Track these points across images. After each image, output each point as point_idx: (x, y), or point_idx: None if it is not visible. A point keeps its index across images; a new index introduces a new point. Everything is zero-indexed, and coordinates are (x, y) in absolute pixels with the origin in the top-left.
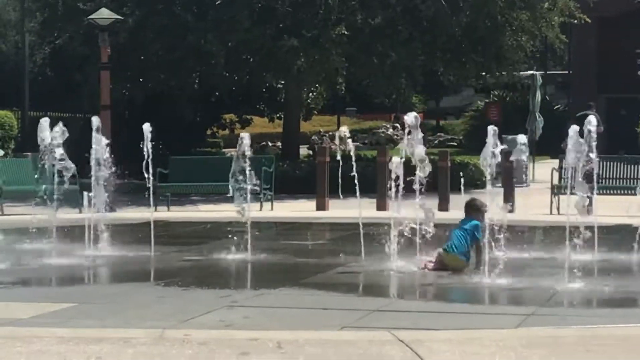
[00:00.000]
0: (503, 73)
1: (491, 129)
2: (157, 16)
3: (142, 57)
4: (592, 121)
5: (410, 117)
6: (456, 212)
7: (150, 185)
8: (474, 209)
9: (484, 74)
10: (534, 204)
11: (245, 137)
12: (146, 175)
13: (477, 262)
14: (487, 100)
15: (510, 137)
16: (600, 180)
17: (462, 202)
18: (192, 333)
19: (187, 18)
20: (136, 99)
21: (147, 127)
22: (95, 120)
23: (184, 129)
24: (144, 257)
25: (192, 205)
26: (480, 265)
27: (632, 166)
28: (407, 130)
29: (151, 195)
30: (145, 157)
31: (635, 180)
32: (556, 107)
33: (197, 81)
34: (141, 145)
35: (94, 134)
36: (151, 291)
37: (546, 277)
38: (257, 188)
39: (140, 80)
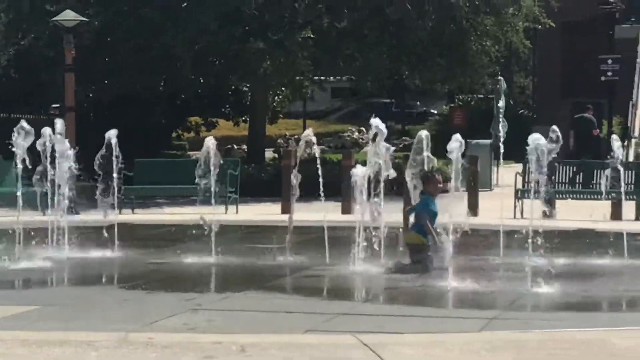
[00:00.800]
0: (469, 78)
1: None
2: (123, 18)
3: (108, 59)
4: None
5: (376, 121)
6: None
7: (115, 187)
8: (423, 180)
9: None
10: (497, 207)
11: (210, 141)
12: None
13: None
14: (451, 105)
15: (474, 141)
16: (562, 185)
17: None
18: (155, 336)
19: (154, 21)
20: (102, 101)
21: (112, 133)
22: (59, 123)
23: (149, 132)
24: (108, 260)
25: (157, 208)
26: (434, 241)
27: (594, 171)
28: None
29: (115, 198)
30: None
31: (597, 185)
32: (521, 111)
33: (162, 84)
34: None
35: (57, 136)
36: (115, 294)
37: (509, 280)
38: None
39: (106, 82)
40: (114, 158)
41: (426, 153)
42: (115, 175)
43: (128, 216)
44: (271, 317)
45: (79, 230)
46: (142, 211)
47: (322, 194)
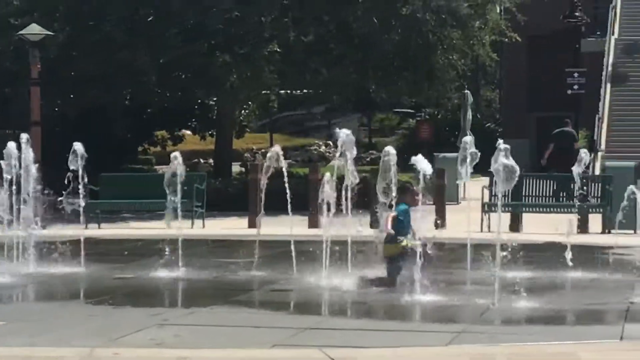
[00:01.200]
0: (435, 91)
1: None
2: (88, 32)
3: (73, 73)
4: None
5: (343, 135)
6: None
7: (81, 202)
8: (401, 192)
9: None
10: (464, 221)
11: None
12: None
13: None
14: (418, 118)
15: (441, 155)
16: (529, 199)
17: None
18: (121, 352)
19: (118, 34)
20: (67, 115)
21: (79, 147)
22: (24, 137)
23: (115, 146)
24: (75, 275)
25: (123, 222)
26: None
27: (561, 184)
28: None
29: (82, 213)
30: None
31: (564, 198)
32: (487, 125)
33: (128, 97)
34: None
35: (22, 150)
36: (81, 309)
37: (477, 294)
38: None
39: (72, 96)
40: (79, 172)
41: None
42: (81, 189)
43: (94, 231)
44: (238, 332)
45: (45, 245)
46: (108, 225)
47: (289, 208)
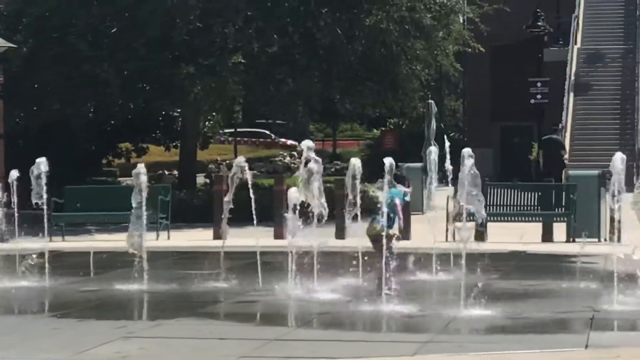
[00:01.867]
0: (400, 102)
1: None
2: (52, 44)
3: (37, 86)
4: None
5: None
6: (353, 240)
7: (45, 214)
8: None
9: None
10: (430, 231)
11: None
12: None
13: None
14: (383, 129)
15: (406, 165)
16: (493, 208)
17: (359, 229)
18: None
19: (82, 46)
20: (31, 127)
21: (41, 160)
22: None
23: (79, 158)
24: (39, 288)
25: (88, 234)
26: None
27: (525, 193)
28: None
29: (45, 225)
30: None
31: (528, 207)
32: (452, 134)
33: (92, 110)
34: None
35: None
36: (46, 323)
37: (443, 304)
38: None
39: (35, 108)
40: (43, 185)
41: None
42: (45, 202)
43: (58, 243)
44: (204, 344)
45: (8, 258)
46: (72, 238)
47: (254, 219)
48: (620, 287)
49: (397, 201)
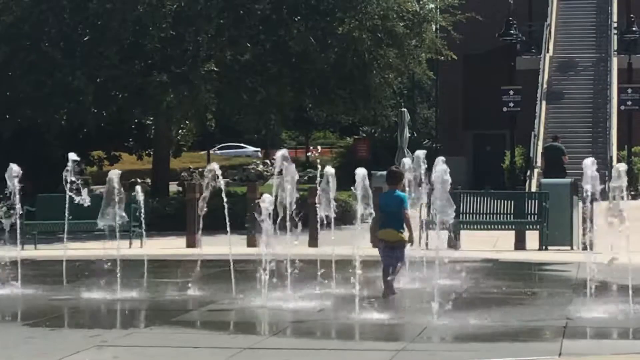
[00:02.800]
0: (372, 110)
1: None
2: (25, 52)
3: (9, 93)
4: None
5: (280, 154)
6: (326, 248)
7: (17, 222)
8: (395, 178)
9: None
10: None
11: (114, 175)
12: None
13: (409, 234)
14: (356, 137)
15: (379, 173)
16: (466, 216)
17: (332, 238)
18: None
19: (55, 54)
20: (2, 135)
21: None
22: None
23: (51, 166)
24: (11, 296)
25: (60, 243)
26: (412, 238)
27: (498, 201)
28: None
29: (18, 233)
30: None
31: (501, 215)
32: (424, 142)
33: (65, 117)
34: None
35: None
36: (18, 332)
37: (416, 312)
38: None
39: (7, 116)
40: (15, 193)
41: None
42: (17, 210)
43: (30, 252)
44: (177, 353)
45: None
46: (45, 246)
47: (227, 227)
48: (594, 295)
49: (407, 212)
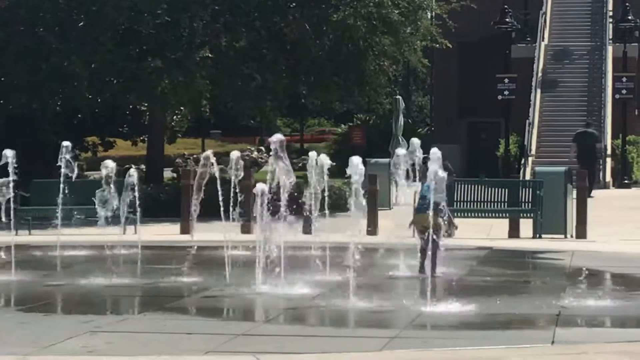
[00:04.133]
0: (367, 97)
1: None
2: (19, 37)
3: (3, 78)
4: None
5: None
6: (321, 235)
7: (11, 208)
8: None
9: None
10: (396, 226)
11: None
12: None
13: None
14: (350, 124)
15: (373, 160)
16: (460, 204)
17: (326, 225)
18: (53, 359)
19: (50, 39)
20: None
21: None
22: None
23: (45, 152)
24: (5, 282)
25: (54, 229)
26: (451, 227)
27: (493, 189)
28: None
29: (12, 219)
30: None
31: (495, 204)
32: (419, 130)
33: (59, 103)
34: None
35: None
36: (12, 317)
37: (410, 299)
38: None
39: (1, 102)
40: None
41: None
42: (11, 196)
43: (24, 237)
44: (171, 339)
45: None
46: (39, 232)
47: (222, 214)
48: (587, 283)
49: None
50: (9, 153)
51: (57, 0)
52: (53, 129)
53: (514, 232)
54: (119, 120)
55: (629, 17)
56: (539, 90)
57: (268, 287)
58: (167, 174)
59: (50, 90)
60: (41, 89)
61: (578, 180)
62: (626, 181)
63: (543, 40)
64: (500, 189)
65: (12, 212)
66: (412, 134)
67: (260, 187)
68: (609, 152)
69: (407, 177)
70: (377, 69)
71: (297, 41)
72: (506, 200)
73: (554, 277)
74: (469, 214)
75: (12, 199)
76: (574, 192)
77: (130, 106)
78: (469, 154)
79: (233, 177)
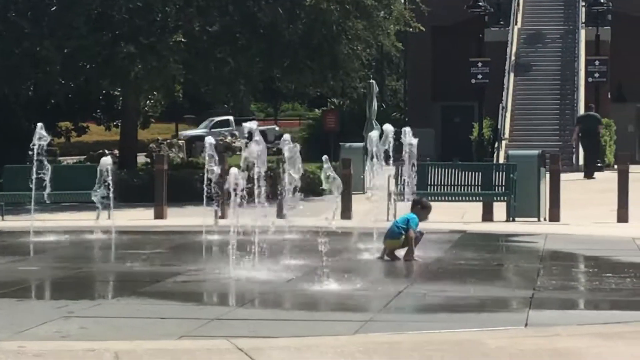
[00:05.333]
0: (340, 81)
1: None
2: None
3: None
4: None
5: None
6: (295, 219)
7: None
8: (419, 207)
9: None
10: (370, 210)
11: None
12: None
13: (407, 251)
14: (324, 108)
15: (347, 144)
16: (434, 187)
17: (300, 209)
18: (27, 345)
19: (22, 24)
20: None
21: None
22: None
23: (18, 137)
24: None
25: (28, 214)
26: (410, 255)
27: (466, 173)
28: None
29: None
30: None
31: (468, 187)
32: (393, 114)
33: (32, 88)
34: None
35: None
36: None
37: (383, 283)
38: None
39: None
40: None
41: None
42: None
43: None
44: (145, 323)
45: None
46: (12, 217)
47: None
48: (560, 265)
49: (412, 233)
50: None
51: None
52: (26, 114)
53: (487, 216)
54: (92, 105)
55: (602, 1)
56: (512, 74)
57: (242, 272)
58: (141, 159)
59: (23, 75)
60: (14, 74)
61: (551, 163)
62: (599, 164)
63: (516, 24)
64: (473, 173)
65: None
66: (385, 118)
67: (233, 171)
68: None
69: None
70: (351, 53)
71: (271, 25)
72: (480, 183)
73: (528, 260)
74: (443, 198)
75: None
76: (547, 175)
77: (104, 91)
78: (443, 137)
79: (207, 163)
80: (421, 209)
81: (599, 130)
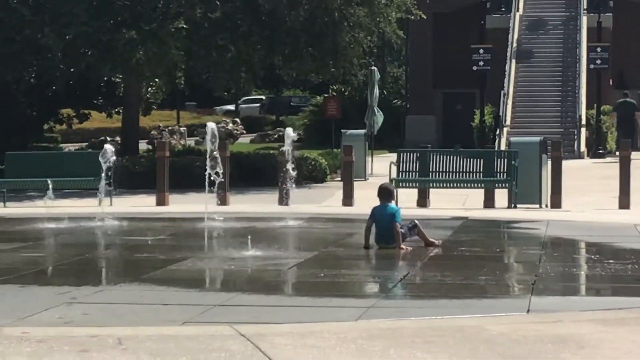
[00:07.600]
0: (342, 68)
1: None
2: None
3: None
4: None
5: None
6: (297, 206)
7: None
8: (387, 194)
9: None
10: (372, 197)
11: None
12: None
13: (396, 244)
14: (325, 95)
15: (349, 131)
16: (436, 174)
17: (302, 196)
18: (30, 330)
19: (23, 11)
20: None
21: None
22: None
23: (20, 124)
24: None
25: (29, 201)
26: (400, 246)
27: (468, 159)
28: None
29: None
30: None
31: (470, 174)
32: (394, 101)
33: (33, 75)
34: None
35: None
36: None
37: (386, 269)
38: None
39: None
40: None
41: None
42: None
43: None
44: (147, 310)
45: None
46: (14, 204)
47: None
48: (561, 252)
49: (397, 225)
50: None
51: None
52: (27, 101)
53: (489, 202)
54: (93, 92)
55: None
56: (513, 61)
57: (246, 258)
58: (143, 146)
59: (25, 62)
60: (15, 61)
61: (553, 150)
62: (600, 151)
63: (518, 11)
64: (475, 160)
65: None
66: (387, 105)
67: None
68: (583, 122)
69: None
70: (352, 40)
71: (272, 12)
72: (481, 170)
73: (529, 247)
74: (444, 185)
75: None
76: (549, 162)
77: (105, 78)
78: (444, 124)
79: (209, 149)
80: (388, 195)
81: (635, 116)
